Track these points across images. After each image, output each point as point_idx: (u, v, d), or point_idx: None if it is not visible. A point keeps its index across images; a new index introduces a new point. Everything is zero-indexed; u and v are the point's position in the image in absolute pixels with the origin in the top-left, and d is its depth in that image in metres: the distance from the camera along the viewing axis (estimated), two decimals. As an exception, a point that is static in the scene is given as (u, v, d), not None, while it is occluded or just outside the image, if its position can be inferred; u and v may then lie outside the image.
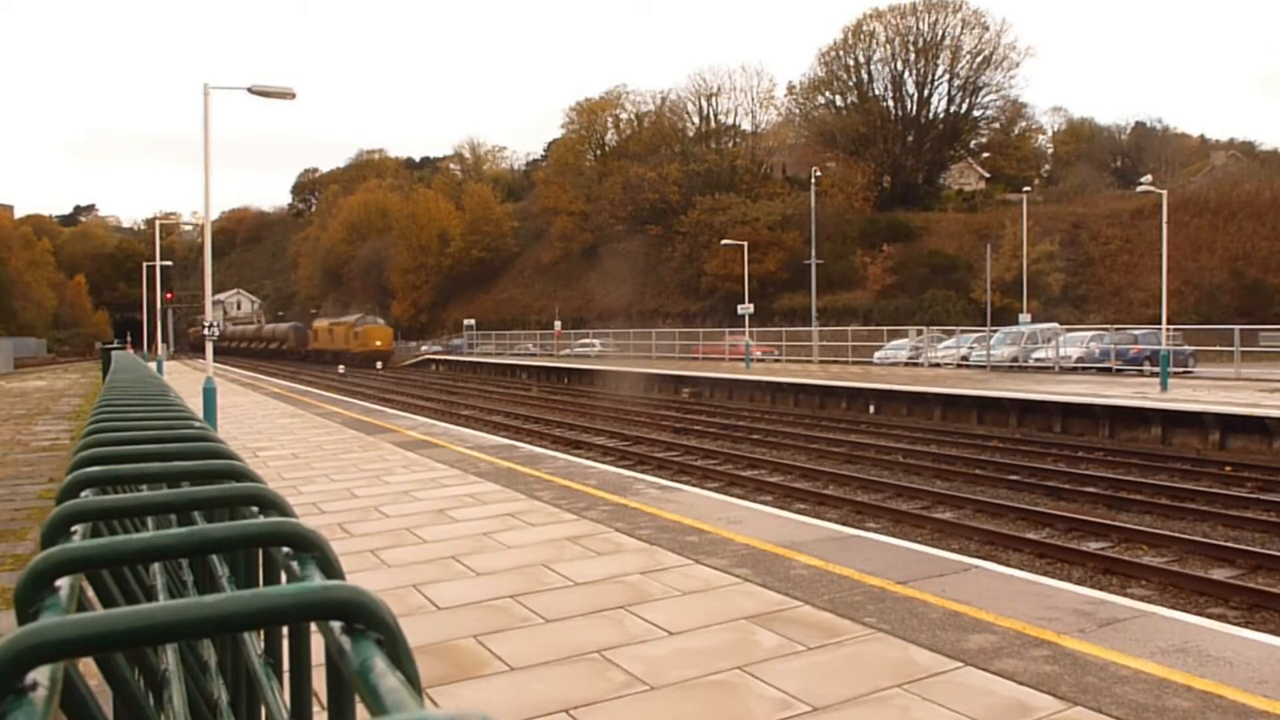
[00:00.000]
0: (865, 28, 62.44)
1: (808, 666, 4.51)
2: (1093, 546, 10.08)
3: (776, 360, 39.88)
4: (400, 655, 0.76)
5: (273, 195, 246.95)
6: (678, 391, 32.55)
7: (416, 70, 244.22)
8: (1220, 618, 7.21)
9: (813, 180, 46.29)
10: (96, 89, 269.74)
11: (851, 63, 63.49)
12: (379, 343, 61.85)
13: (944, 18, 60.50)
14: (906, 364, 34.70)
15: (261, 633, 1.55)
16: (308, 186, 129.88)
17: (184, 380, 29.47)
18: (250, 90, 16.50)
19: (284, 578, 1.18)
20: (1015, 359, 31.08)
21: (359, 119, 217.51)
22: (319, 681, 1.05)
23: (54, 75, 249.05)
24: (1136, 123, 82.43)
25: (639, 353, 46.58)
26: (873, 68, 63.03)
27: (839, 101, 64.95)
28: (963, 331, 35.97)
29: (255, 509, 1.37)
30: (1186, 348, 29.33)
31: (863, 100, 62.85)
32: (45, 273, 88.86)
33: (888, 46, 61.99)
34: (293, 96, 16.92)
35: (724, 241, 45.65)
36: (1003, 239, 48.37)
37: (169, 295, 53.11)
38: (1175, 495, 12.70)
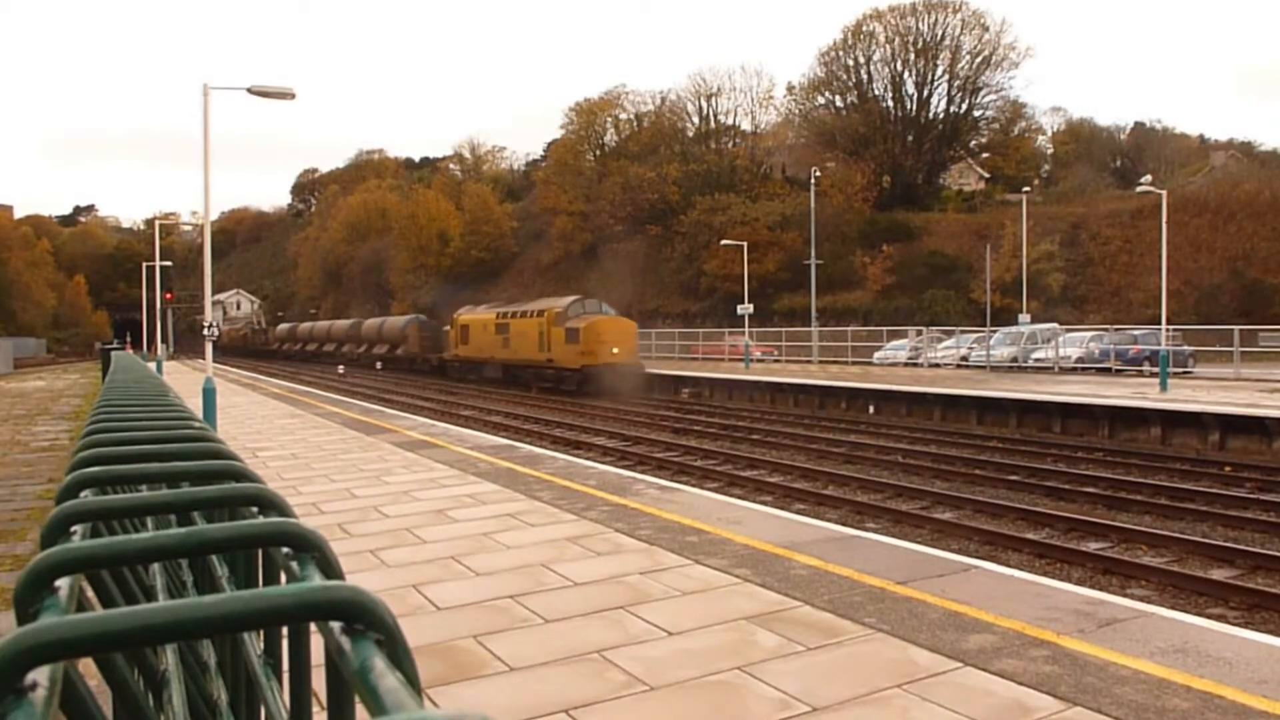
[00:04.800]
0: (865, 28, 62.48)
1: (807, 667, 4.52)
2: (1092, 547, 10.08)
3: (776, 360, 39.87)
4: (400, 655, 0.76)
5: (273, 195, 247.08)
6: (677, 391, 32.54)
7: (416, 70, 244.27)
8: (1220, 618, 7.21)
9: (812, 180, 46.30)
10: (97, 89, 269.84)
11: (851, 63, 63.51)
12: (616, 349, 31.79)
13: (944, 18, 60.54)
14: (906, 364, 34.71)
15: (261, 633, 1.55)
16: (307, 186, 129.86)
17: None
18: (250, 90, 16.50)
19: (284, 578, 1.18)
20: (1015, 359, 31.10)
21: (359, 119, 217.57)
22: (319, 681, 1.05)
23: (54, 75, 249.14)
24: (1136, 123, 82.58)
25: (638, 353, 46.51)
26: (872, 68, 63.09)
27: (839, 102, 64.96)
28: (962, 332, 36.00)
29: (255, 509, 1.37)
30: (1186, 348, 29.36)
31: (862, 100, 62.85)
32: (45, 273, 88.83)
33: (887, 47, 62.05)
34: (292, 96, 16.92)
35: (723, 242, 45.67)
36: (1002, 239, 48.40)
37: (169, 295, 53.15)
38: (1175, 495, 12.70)
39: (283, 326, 79.73)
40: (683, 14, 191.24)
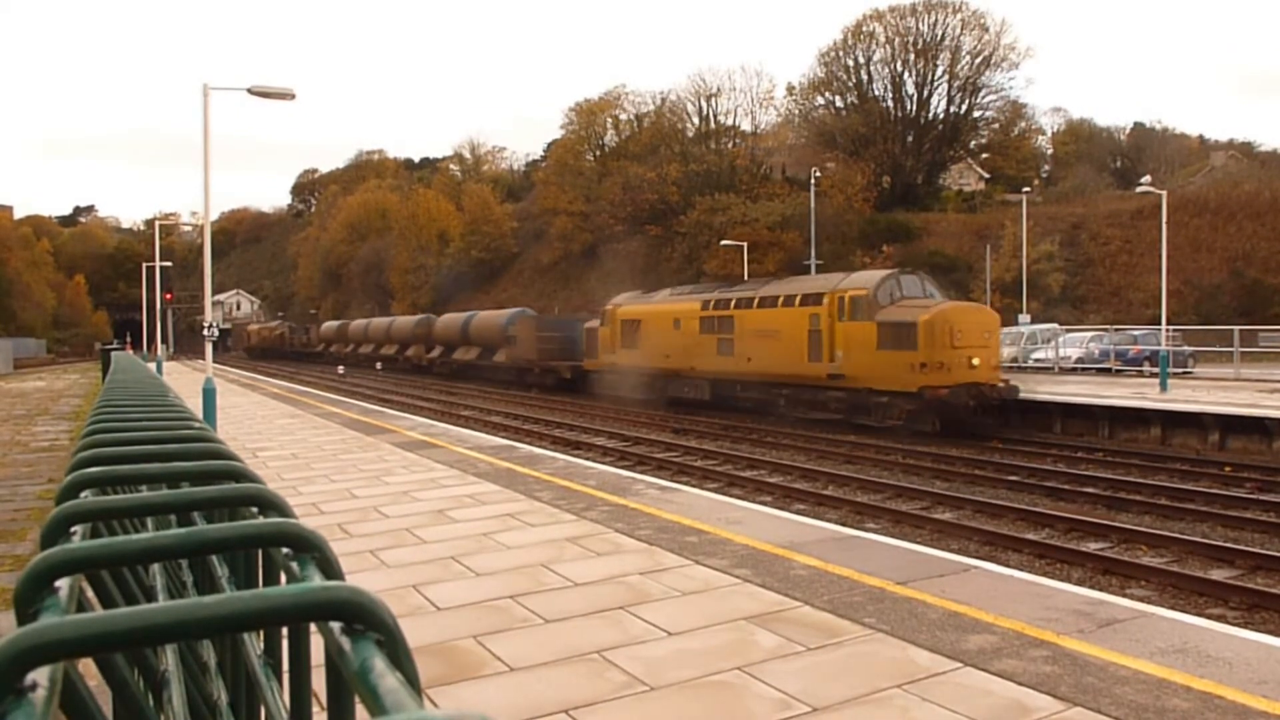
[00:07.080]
0: (865, 28, 62.48)
1: (807, 667, 4.51)
2: (1092, 547, 10.08)
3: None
4: (400, 655, 0.76)
5: (273, 195, 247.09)
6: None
7: (416, 70, 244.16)
8: (1220, 618, 7.21)
9: (812, 181, 46.31)
10: (97, 89, 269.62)
11: (851, 63, 63.52)
12: (976, 360, 19.02)
13: (944, 18, 60.54)
14: (906, 364, 34.63)
15: (261, 633, 1.55)
16: (307, 187, 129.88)
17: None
18: (250, 91, 16.51)
19: (284, 578, 1.18)
20: (1015, 359, 31.09)
21: (359, 119, 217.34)
22: (319, 682, 1.05)
23: (54, 75, 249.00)
24: (1136, 123, 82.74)
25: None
26: (872, 68, 63.09)
27: (839, 102, 64.96)
28: (962, 332, 35.89)
29: (255, 509, 1.37)
30: (1186, 348, 29.37)
31: (862, 101, 62.86)
32: (45, 273, 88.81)
33: (887, 47, 62.04)
34: (292, 97, 16.93)
35: (724, 242, 45.72)
36: (1002, 239, 48.39)
37: (168, 296, 53.14)
38: (1175, 496, 12.70)
39: (329, 325, 67.87)
40: (683, 14, 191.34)
